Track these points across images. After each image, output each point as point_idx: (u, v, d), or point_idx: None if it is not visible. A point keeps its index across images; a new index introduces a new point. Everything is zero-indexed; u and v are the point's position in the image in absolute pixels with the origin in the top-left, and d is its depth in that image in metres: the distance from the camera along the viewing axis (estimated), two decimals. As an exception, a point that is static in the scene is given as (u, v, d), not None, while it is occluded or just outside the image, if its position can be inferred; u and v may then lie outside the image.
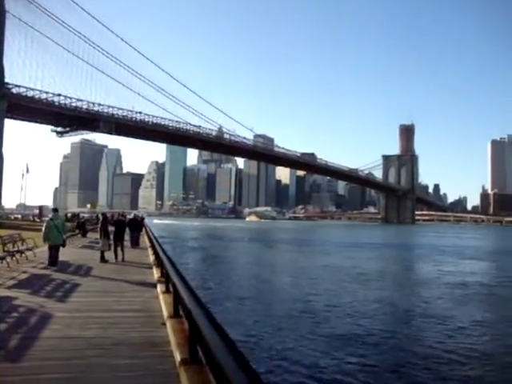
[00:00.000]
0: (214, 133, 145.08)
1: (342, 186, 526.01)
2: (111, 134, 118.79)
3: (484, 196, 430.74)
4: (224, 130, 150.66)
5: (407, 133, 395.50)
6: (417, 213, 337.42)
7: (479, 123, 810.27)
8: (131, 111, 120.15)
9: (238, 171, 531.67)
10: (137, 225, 24.77)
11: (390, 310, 18.39)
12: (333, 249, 54.67)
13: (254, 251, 51.51)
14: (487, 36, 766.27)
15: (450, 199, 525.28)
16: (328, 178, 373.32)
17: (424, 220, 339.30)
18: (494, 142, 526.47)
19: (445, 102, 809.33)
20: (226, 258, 40.77)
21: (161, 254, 12.35)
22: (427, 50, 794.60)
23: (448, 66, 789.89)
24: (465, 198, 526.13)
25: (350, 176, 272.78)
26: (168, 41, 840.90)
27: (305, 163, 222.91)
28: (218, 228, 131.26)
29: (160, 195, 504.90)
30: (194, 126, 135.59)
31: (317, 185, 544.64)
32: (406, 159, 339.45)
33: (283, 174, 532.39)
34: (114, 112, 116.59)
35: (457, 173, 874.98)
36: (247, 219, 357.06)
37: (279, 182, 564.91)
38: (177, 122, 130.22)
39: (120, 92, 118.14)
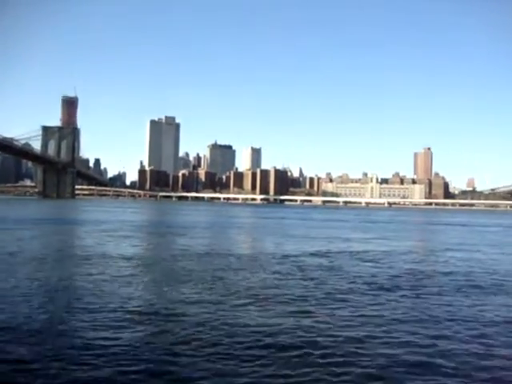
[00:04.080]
0: None
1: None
2: None
3: (142, 172, 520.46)
4: None
5: (70, 105, 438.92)
6: (77, 187, 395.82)
7: (141, 102, 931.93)
8: None
9: None
10: None
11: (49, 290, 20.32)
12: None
13: None
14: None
15: (110, 174, 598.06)
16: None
17: (84, 194, 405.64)
18: (152, 122, 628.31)
19: (110, 79, 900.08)
20: None
21: None
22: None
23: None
24: (124, 174, 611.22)
25: (2, 145, 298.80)
26: None
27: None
28: None
29: None
30: None
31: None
32: (68, 132, 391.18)
33: None
34: None
35: (118, 148, 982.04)
36: None
37: None
38: None
39: None
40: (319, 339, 13.84)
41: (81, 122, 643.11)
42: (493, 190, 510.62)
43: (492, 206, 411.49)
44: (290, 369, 11.55)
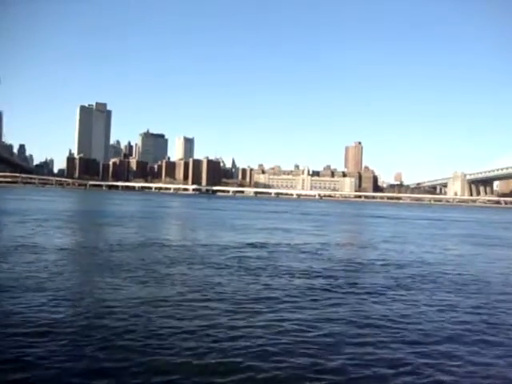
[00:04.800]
0: None
1: None
2: None
3: (70, 160, 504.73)
4: None
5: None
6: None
7: (70, 88, 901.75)
8: None
9: None
10: None
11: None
12: None
13: None
14: None
15: (37, 161, 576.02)
16: None
17: (7, 182, 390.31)
18: (82, 108, 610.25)
19: (36, 62, 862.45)
20: None
21: None
22: None
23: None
24: (51, 161, 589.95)
25: None
26: None
27: None
28: None
29: None
30: None
31: None
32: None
33: None
34: None
35: (44, 134, 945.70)
36: None
37: None
38: None
39: None
40: (252, 336, 13.71)
41: (3, 104, 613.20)
42: (418, 184, 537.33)
43: (417, 199, 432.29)
44: (216, 367, 11.39)
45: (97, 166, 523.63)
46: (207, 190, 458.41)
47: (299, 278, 23.51)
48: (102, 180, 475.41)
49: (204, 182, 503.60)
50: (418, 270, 27.89)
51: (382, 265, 29.37)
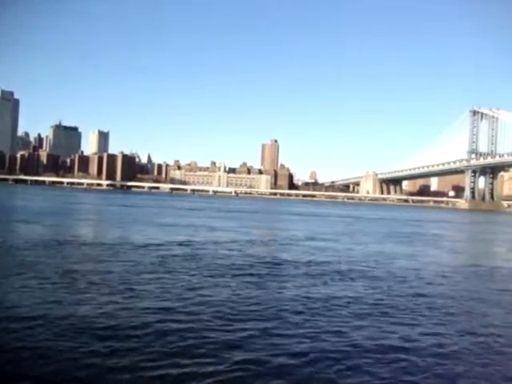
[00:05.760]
0: None
1: None
2: None
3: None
4: None
5: None
6: None
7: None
8: None
9: None
10: None
11: None
12: None
13: None
14: None
15: None
16: None
17: None
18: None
19: None
20: None
21: None
22: None
23: None
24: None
25: None
26: None
27: None
28: None
29: None
30: None
31: None
32: None
33: None
34: None
35: None
36: None
37: None
38: None
39: None
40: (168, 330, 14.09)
41: None
42: (332, 182, 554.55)
43: (331, 197, 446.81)
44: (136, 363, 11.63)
45: (2, 159, 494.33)
46: (122, 186, 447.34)
47: (222, 277, 23.44)
48: (9, 173, 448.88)
49: (119, 177, 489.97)
50: (340, 266, 29.40)
51: (306, 262, 30.49)
